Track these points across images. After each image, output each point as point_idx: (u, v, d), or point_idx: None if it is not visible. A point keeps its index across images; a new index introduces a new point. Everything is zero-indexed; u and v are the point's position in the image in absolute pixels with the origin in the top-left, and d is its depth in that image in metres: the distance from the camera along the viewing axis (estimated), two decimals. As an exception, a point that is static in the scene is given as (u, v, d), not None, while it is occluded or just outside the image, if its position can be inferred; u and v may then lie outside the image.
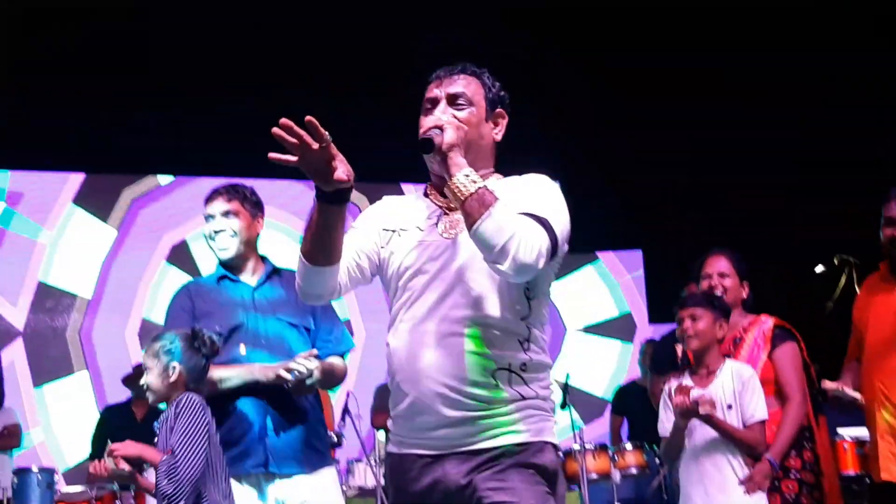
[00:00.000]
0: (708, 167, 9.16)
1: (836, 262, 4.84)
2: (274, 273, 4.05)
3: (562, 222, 2.56)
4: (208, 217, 4.04)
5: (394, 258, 2.69)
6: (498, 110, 2.81)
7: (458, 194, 2.47)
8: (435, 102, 2.74)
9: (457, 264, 2.60)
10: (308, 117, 2.36)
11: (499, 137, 2.81)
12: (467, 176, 2.48)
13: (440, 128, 2.59)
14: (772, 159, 9.01)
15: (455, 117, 2.69)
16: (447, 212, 2.70)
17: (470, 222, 2.44)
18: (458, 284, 2.59)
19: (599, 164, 9.91)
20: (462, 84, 2.75)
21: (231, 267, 4.04)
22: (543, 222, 2.49)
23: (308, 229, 2.58)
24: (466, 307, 2.57)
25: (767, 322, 4.55)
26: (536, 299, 2.64)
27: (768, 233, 8.76)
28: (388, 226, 2.76)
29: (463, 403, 2.55)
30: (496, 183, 2.66)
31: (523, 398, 2.59)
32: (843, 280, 4.77)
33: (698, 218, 9.18)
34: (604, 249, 10.46)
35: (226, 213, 4.00)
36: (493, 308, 2.57)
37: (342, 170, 2.45)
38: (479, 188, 2.46)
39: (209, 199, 4.06)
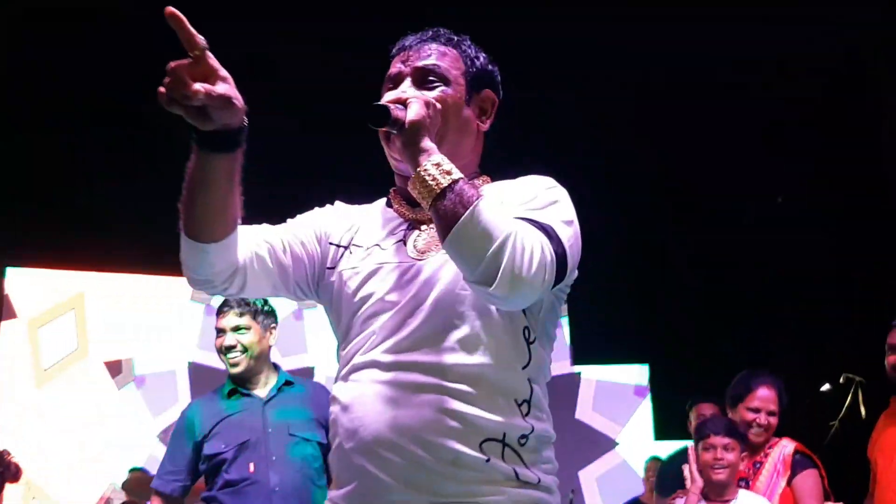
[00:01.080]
0: (715, 280, 9.17)
1: (842, 380, 4.82)
2: (286, 384, 4.00)
3: (571, 233, 1.92)
4: (219, 331, 4.00)
5: (346, 285, 2.04)
6: (485, 92, 2.14)
7: (427, 189, 1.81)
8: (398, 81, 2.07)
9: (433, 294, 1.94)
10: (169, 8, 1.66)
11: (485, 127, 2.16)
12: (438, 165, 1.82)
13: (402, 102, 1.92)
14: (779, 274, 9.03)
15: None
16: (418, 226, 2.07)
17: (443, 227, 1.78)
18: (434, 321, 1.93)
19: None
20: (434, 56, 2.09)
21: (242, 380, 3.99)
22: (546, 228, 1.86)
23: (185, 189, 1.86)
24: (447, 352, 1.91)
25: (788, 447, 4.41)
26: (538, 343, 1.99)
27: (776, 348, 8.73)
28: (338, 239, 2.12)
29: (438, 485, 1.87)
30: (483, 187, 2.05)
31: (522, 483, 1.93)
32: (849, 399, 4.75)
33: (706, 333, 9.16)
34: (609, 363, 10.41)
35: (237, 329, 3.96)
36: (483, 353, 1.92)
37: (224, 94, 1.71)
38: (456, 181, 1.80)
39: (220, 313, 4.02)
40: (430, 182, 1.81)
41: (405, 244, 2.05)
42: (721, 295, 9.16)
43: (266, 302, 4.05)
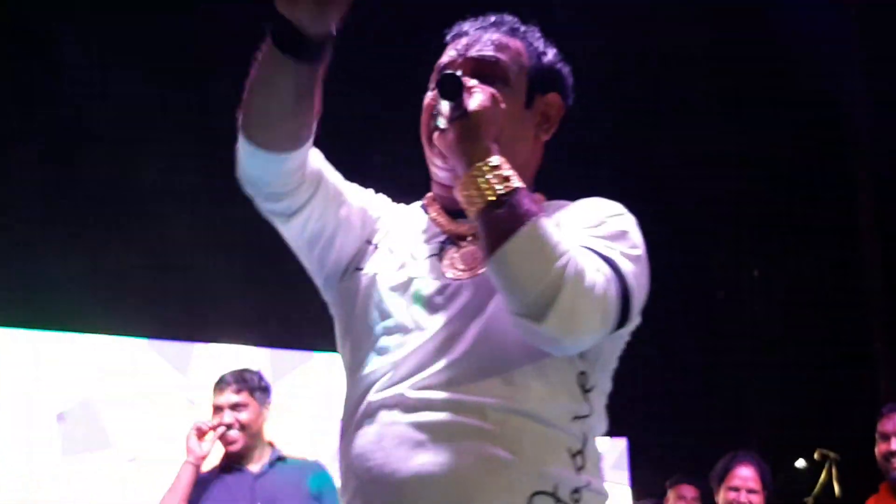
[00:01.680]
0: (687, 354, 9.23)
1: (816, 457, 4.84)
2: (279, 461, 3.98)
3: (638, 271, 1.62)
4: (216, 409, 3.97)
5: (367, 293, 1.73)
6: (550, 95, 1.83)
7: (480, 194, 1.53)
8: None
9: (475, 322, 1.63)
10: None
11: (546, 137, 1.84)
12: (497, 168, 1.54)
13: (465, 88, 1.62)
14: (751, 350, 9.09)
15: None
16: (457, 241, 1.76)
17: (491, 242, 1.51)
18: (474, 355, 1.60)
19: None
20: (494, 47, 1.78)
21: (236, 456, 3.98)
22: (611, 262, 1.57)
23: (257, 92, 1.58)
24: (488, 392, 1.58)
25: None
26: (595, 393, 1.68)
27: (749, 422, 8.76)
28: (372, 235, 1.82)
29: None
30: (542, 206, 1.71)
31: None
32: (823, 476, 4.76)
33: (683, 406, 9.18)
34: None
35: (235, 406, 3.95)
36: (532, 393, 1.60)
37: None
38: (515, 190, 1.53)
39: (217, 389, 4.00)
40: (483, 186, 1.53)
41: (440, 260, 1.73)
42: (700, 369, 9.21)
43: (262, 378, 4.05)
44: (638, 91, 8.25)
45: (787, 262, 8.66)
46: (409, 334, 1.66)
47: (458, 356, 1.61)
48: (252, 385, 3.99)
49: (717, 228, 8.52)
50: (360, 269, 1.77)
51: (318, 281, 1.83)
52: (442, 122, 1.65)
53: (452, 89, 1.59)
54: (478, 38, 1.80)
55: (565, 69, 1.87)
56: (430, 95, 1.79)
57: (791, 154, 8.75)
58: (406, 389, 1.61)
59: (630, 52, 8.32)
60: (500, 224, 1.51)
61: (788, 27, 8.13)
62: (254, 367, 4.19)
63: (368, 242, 1.80)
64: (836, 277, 8.40)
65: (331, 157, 1.79)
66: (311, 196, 1.72)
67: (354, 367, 1.72)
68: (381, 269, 1.75)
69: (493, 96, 1.64)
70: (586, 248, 1.57)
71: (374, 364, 1.67)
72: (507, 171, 1.54)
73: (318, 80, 1.59)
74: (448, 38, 1.85)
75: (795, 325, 8.59)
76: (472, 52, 1.78)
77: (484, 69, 1.75)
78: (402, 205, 1.90)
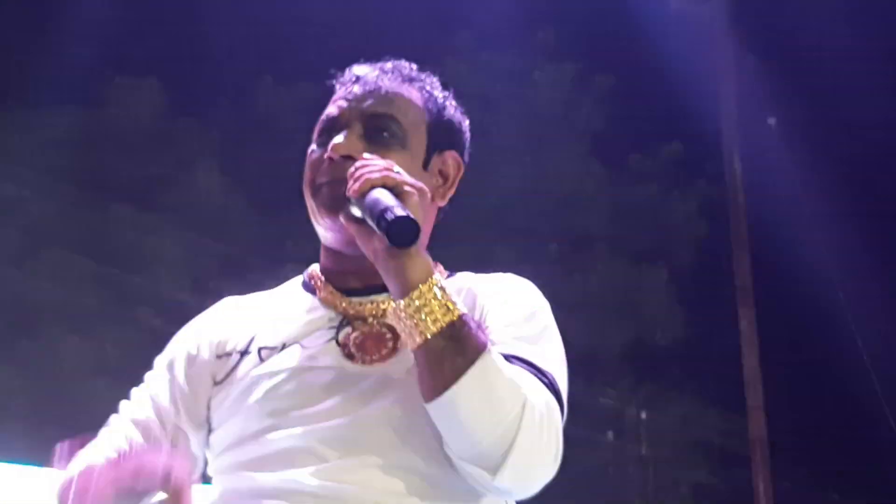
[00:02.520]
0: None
1: None
2: None
3: (565, 376, 1.49)
4: None
5: (248, 393, 1.49)
6: (448, 153, 1.63)
7: (419, 328, 1.33)
8: (339, 125, 1.56)
9: (385, 416, 1.43)
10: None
11: (443, 202, 1.63)
12: (437, 293, 1.35)
13: (388, 185, 1.40)
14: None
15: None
16: (353, 321, 1.53)
17: (435, 383, 1.33)
18: (384, 450, 1.41)
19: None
20: (394, 101, 1.57)
21: None
22: (549, 380, 1.42)
23: None
24: (401, 493, 1.39)
25: None
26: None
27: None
28: (230, 346, 1.56)
29: None
30: (446, 283, 1.43)
31: None
32: None
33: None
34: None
35: None
36: (452, 500, 1.41)
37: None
38: (460, 318, 1.34)
39: None
40: (425, 317, 1.32)
41: (339, 344, 1.50)
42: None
43: None
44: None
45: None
46: (308, 426, 1.42)
47: (362, 448, 1.40)
48: None
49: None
50: (226, 380, 1.52)
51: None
52: (357, 211, 1.42)
53: (410, 235, 1.35)
54: (372, 87, 1.58)
55: (465, 123, 1.68)
56: (315, 149, 1.59)
57: None
58: (306, 476, 1.39)
59: None
60: (445, 362, 1.32)
61: None
62: None
63: (228, 354, 1.55)
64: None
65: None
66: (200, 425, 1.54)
67: (225, 455, 1.49)
68: (261, 367, 1.50)
69: (423, 190, 1.44)
70: (526, 363, 1.41)
71: (255, 452, 1.45)
72: (449, 295, 1.35)
73: None
74: (339, 80, 1.64)
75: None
76: (366, 106, 1.56)
77: (379, 126, 1.55)
78: (265, 291, 1.67)
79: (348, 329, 1.52)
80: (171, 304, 11.17)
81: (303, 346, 1.51)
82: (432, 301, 1.33)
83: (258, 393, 1.47)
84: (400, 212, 1.34)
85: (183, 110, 13.11)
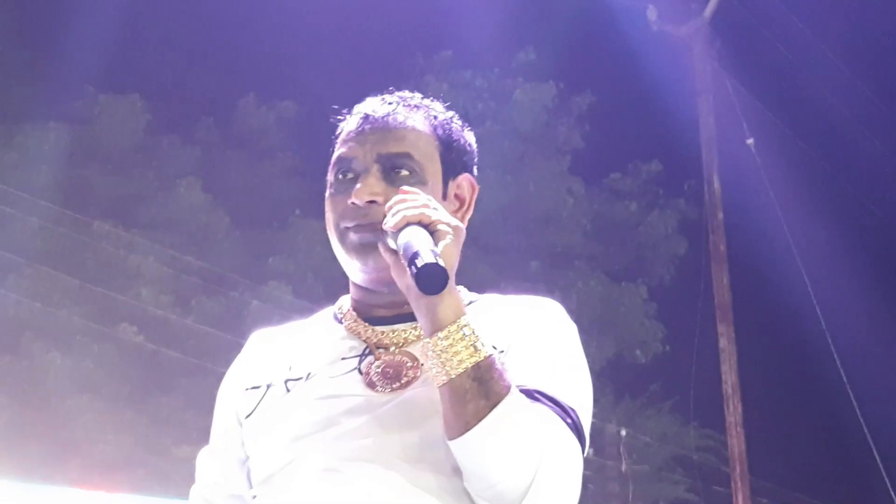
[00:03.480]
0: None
1: None
2: None
3: (589, 405, 1.53)
4: None
5: (270, 425, 1.54)
6: (462, 177, 1.65)
7: (446, 366, 1.37)
8: (356, 168, 1.58)
9: (397, 442, 1.45)
10: None
11: (464, 220, 1.61)
12: (466, 333, 1.39)
13: (428, 225, 1.42)
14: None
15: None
16: (377, 349, 1.56)
17: (460, 422, 1.36)
18: (396, 476, 1.43)
19: None
20: (406, 137, 1.59)
21: None
22: (572, 417, 1.46)
23: None
24: None
25: None
26: None
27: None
28: (255, 380, 1.61)
29: None
30: (470, 308, 1.51)
31: None
32: None
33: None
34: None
35: None
36: None
37: None
38: (486, 360, 1.38)
39: None
40: (453, 356, 1.37)
41: (361, 373, 1.53)
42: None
43: None
44: None
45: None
46: (328, 457, 1.46)
47: (375, 478, 1.43)
48: None
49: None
50: (253, 413, 1.57)
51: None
52: (392, 244, 1.43)
53: (438, 283, 1.35)
54: (382, 125, 1.59)
55: (472, 139, 1.69)
56: (334, 192, 1.60)
57: None
58: None
59: None
60: (468, 403, 1.35)
61: None
62: None
63: (255, 387, 1.60)
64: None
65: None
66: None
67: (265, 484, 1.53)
68: (286, 398, 1.55)
69: (459, 229, 1.43)
70: (549, 398, 1.44)
71: (274, 487, 1.50)
72: (477, 335, 1.38)
73: None
74: (348, 121, 1.64)
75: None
76: (380, 146, 1.57)
77: (395, 165, 1.56)
78: (300, 321, 1.70)
79: (370, 358, 1.54)
80: (153, 321, 11.20)
81: (327, 377, 1.54)
82: (459, 342, 1.37)
83: (283, 423, 1.51)
84: (430, 258, 1.34)
85: (166, 127, 13.17)
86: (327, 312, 1.68)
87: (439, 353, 1.37)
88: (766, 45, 12.36)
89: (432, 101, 1.68)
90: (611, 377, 13.39)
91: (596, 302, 13.42)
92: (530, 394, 1.42)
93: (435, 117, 1.63)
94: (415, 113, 1.62)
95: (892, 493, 9.60)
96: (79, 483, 6.85)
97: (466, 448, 1.36)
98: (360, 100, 1.66)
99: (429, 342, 1.39)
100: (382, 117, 1.59)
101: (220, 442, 1.63)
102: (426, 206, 1.43)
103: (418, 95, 1.67)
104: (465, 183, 1.64)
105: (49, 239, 10.80)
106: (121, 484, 7.10)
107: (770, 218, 10.86)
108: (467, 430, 1.35)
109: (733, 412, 9.65)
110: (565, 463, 1.39)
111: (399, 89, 1.69)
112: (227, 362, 1.66)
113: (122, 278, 11.24)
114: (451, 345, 1.36)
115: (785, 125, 12.42)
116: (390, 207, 1.44)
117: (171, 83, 13.56)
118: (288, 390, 1.55)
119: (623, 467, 12.99)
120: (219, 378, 1.69)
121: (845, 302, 12.66)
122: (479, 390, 1.35)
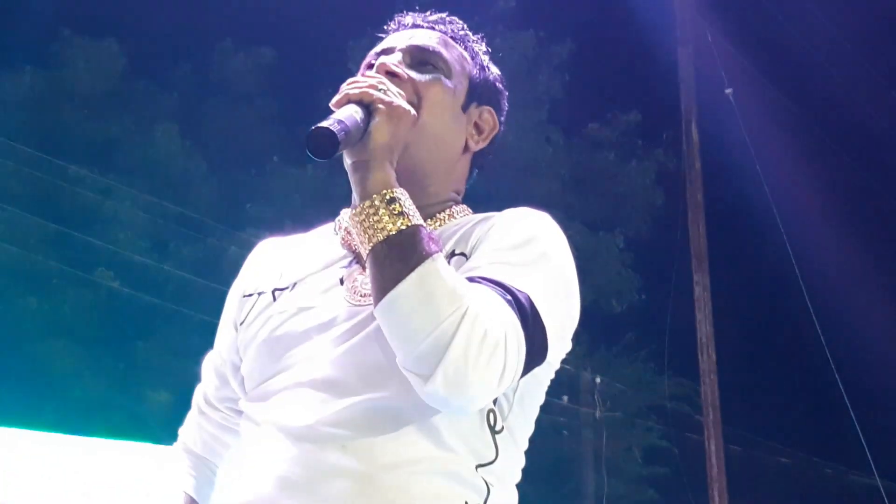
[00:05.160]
0: None
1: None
2: None
3: (557, 303, 1.45)
4: None
5: (254, 338, 1.54)
6: (486, 108, 1.64)
7: (367, 233, 1.35)
8: (386, 54, 1.60)
9: (371, 355, 1.42)
10: None
11: (476, 147, 1.63)
12: (391, 203, 1.36)
13: (365, 102, 1.41)
14: None
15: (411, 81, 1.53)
16: (360, 259, 1.51)
17: (378, 287, 1.33)
18: (369, 392, 1.41)
19: None
20: (439, 42, 1.60)
21: None
22: (519, 299, 1.37)
23: None
24: (381, 432, 1.39)
25: None
26: (508, 433, 1.47)
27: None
28: (251, 287, 1.61)
29: None
30: (457, 220, 1.56)
31: None
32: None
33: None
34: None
35: None
36: (429, 440, 1.40)
37: None
38: (410, 228, 1.34)
39: None
40: (374, 223, 1.34)
41: (343, 282, 1.51)
42: None
43: None
44: None
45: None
46: (298, 368, 1.46)
47: (349, 391, 1.41)
48: None
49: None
50: (244, 322, 1.58)
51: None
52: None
53: (316, 144, 1.35)
54: (428, 28, 1.63)
55: (505, 91, 1.71)
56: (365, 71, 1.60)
57: None
58: (292, 420, 1.43)
59: None
60: (388, 267, 1.32)
61: None
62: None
63: (249, 295, 1.60)
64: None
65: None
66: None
67: (252, 396, 1.54)
68: (272, 308, 1.53)
69: (399, 112, 1.43)
70: (494, 283, 1.37)
71: (255, 394, 1.52)
72: (405, 204, 1.36)
73: None
74: (388, 27, 1.66)
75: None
76: (414, 40, 1.59)
77: (424, 59, 1.57)
78: (309, 232, 1.69)
79: (357, 267, 1.50)
80: (130, 266, 11.17)
81: (311, 286, 1.52)
82: (382, 209, 1.34)
83: (264, 333, 1.51)
84: (324, 124, 1.34)
85: (142, 72, 13.04)
86: (329, 225, 1.65)
87: (362, 221, 1.35)
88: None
89: (479, 39, 1.70)
90: (586, 326, 13.47)
91: (573, 251, 13.44)
92: (473, 280, 1.38)
93: (476, 51, 1.67)
94: (459, 33, 1.65)
95: (864, 440, 9.74)
96: (55, 427, 6.87)
97: (385, 312, 1.32)
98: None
99: (357, 211, 1.37)
100: (428, 24, 1.64)
101: (221, 346, 1.65)
102: (372, 86, 1.43)
103: (466, 27, 1.68)
104: (487, 114, 1.64)
105: (25, 183, 10.73)
106: (97, 428, 7.13)
107: (747, 168, 10.89)
108: (385, 293, 1.31)
109: (707, 360, 9.73)
110: (494, 334, 1.29)
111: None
112: (205, 308, 1.67)
113: (98, 223, 11.20)
114: (375, 212, 1.34)
115: (763, 74, 12.42)
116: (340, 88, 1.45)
117: (147, 27, 13.40)
118: (274, 299, 1.54)
119: (597, 414, 13.12)
120: (197, 324, 1.71)
121: (821, 251, 12.76)
122: (399, 255, 1.31)
